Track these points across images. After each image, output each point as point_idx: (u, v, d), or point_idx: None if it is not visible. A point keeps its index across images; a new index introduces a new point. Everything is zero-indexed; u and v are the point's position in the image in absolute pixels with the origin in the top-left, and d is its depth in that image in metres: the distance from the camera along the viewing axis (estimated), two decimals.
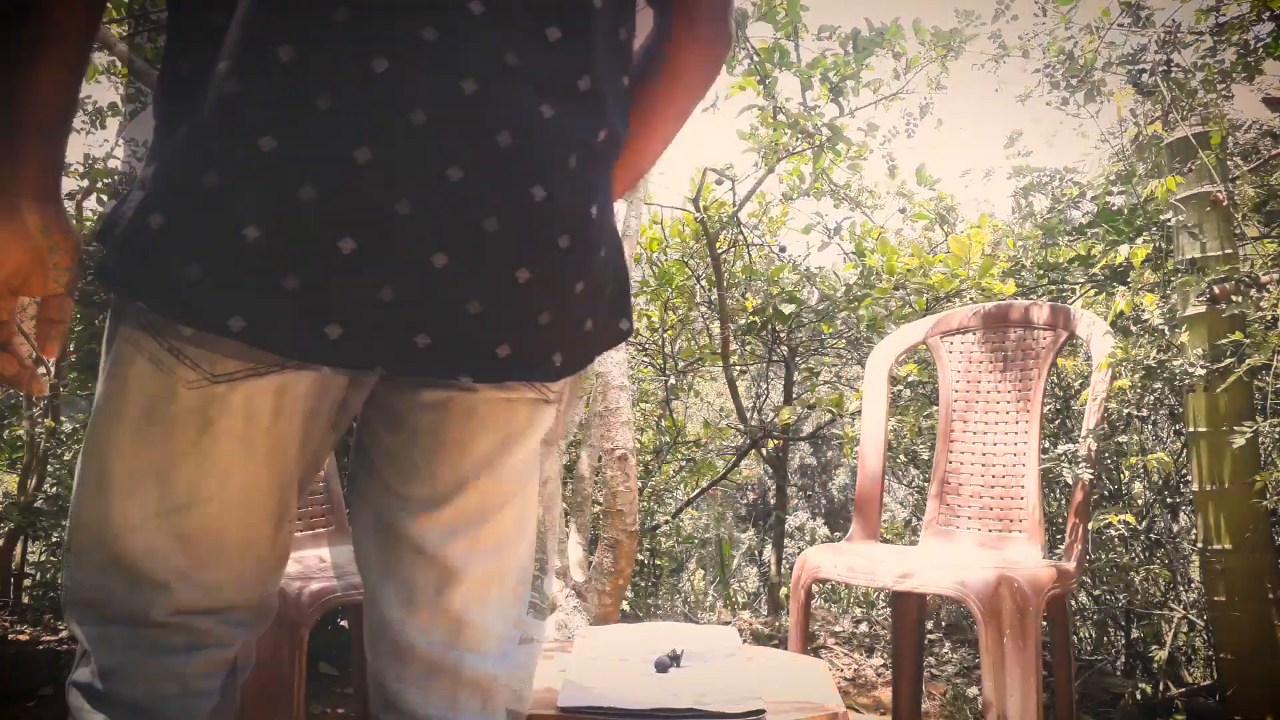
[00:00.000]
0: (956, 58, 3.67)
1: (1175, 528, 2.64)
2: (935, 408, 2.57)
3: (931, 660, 3.01)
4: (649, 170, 1.05)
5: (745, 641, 2.80)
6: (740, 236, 4.04)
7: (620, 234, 2.95)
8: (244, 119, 0.72)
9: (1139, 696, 2.22)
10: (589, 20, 0.84)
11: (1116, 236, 2.72)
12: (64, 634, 2.99)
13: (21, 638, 2.96)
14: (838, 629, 3.43)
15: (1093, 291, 2.87)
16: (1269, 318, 2.10)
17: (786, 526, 4.27)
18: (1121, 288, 2.66)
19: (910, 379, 2.99)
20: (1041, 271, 2.93)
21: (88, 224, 2.91)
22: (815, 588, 1.93)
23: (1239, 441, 2.00)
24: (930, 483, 2.20)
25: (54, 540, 2.76)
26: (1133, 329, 2.40)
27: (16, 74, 0.78)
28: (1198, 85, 2.25)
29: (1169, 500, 2.58)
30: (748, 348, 4.06)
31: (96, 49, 3.74)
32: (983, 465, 2.11)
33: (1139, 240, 2.66)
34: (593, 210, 0.84)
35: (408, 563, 0.90)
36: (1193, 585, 2.58)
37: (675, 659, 1.16)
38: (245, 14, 0.73)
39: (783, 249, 4.20)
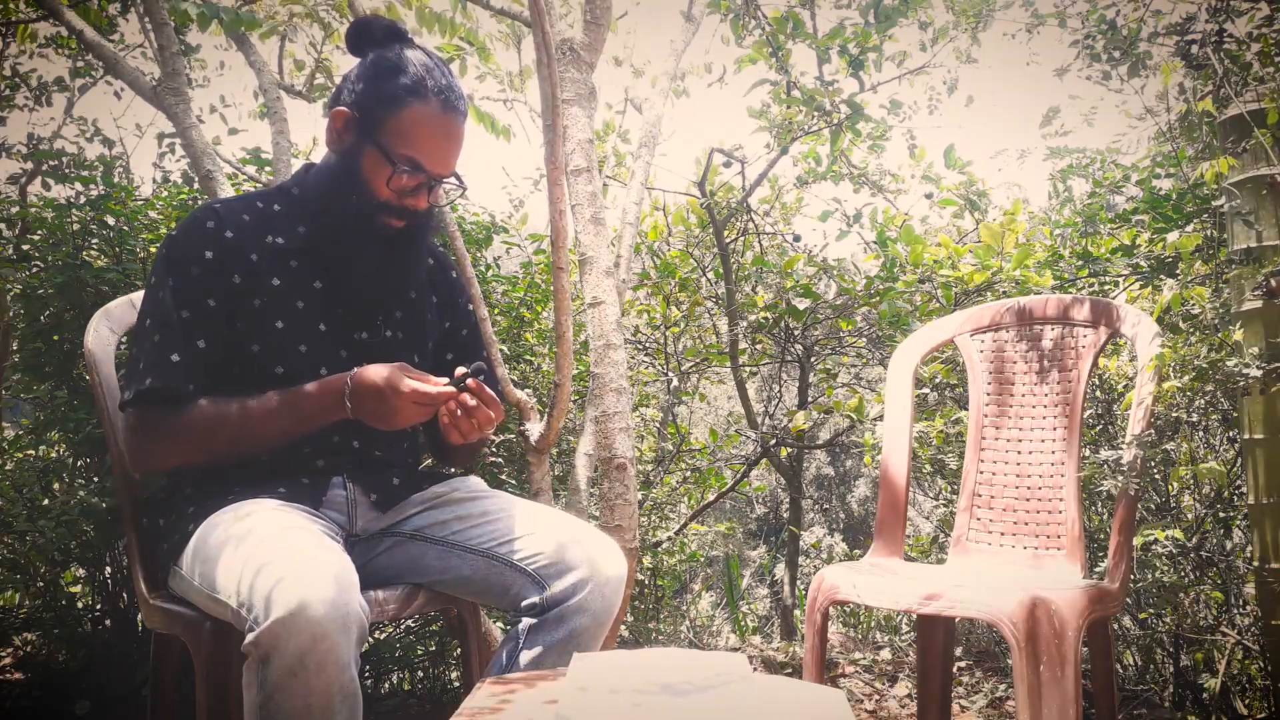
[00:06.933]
0: (987, 28, 3.66)
1: (1229, 544, 2.64)
2: (964, 413, 2.56)
3: (960, 690, 3.01)
4: None
5: (756, 670, 2.79)
6: (750, 224, 4.04)
7: (621, 221, 2.90)
8: None
9: None
10: None
11: (1163, 224, 2.71)
12: None
13: None
14: (858, 656, 3.43)
15: (1137, 285, 2.87)
16: None
17: (801, 543, 4.27)
18: (1169, 280, 2.65)
19: (937, 381, 2.98)
20: (1081, 263, 2.92)
21: (32, 210, 2.90)
22: (833, 610, 1.93)
23: None
24: (959, 495, 2.20)
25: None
26: (1182, 326, 2.39)
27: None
28: (1253, 58, 2.24)
29: (1221, 514, 2.57)
30: (758, 347, 4.05)
31: (42, 18, 3.74)
32: (1017, 476, 2.10)
33: (1188, 228, 2.65)
34: None
35: None
36: (1248, 608, 2.57)
37: (679, 689, 1.16)
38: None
39: (797, 238, 4.20)
